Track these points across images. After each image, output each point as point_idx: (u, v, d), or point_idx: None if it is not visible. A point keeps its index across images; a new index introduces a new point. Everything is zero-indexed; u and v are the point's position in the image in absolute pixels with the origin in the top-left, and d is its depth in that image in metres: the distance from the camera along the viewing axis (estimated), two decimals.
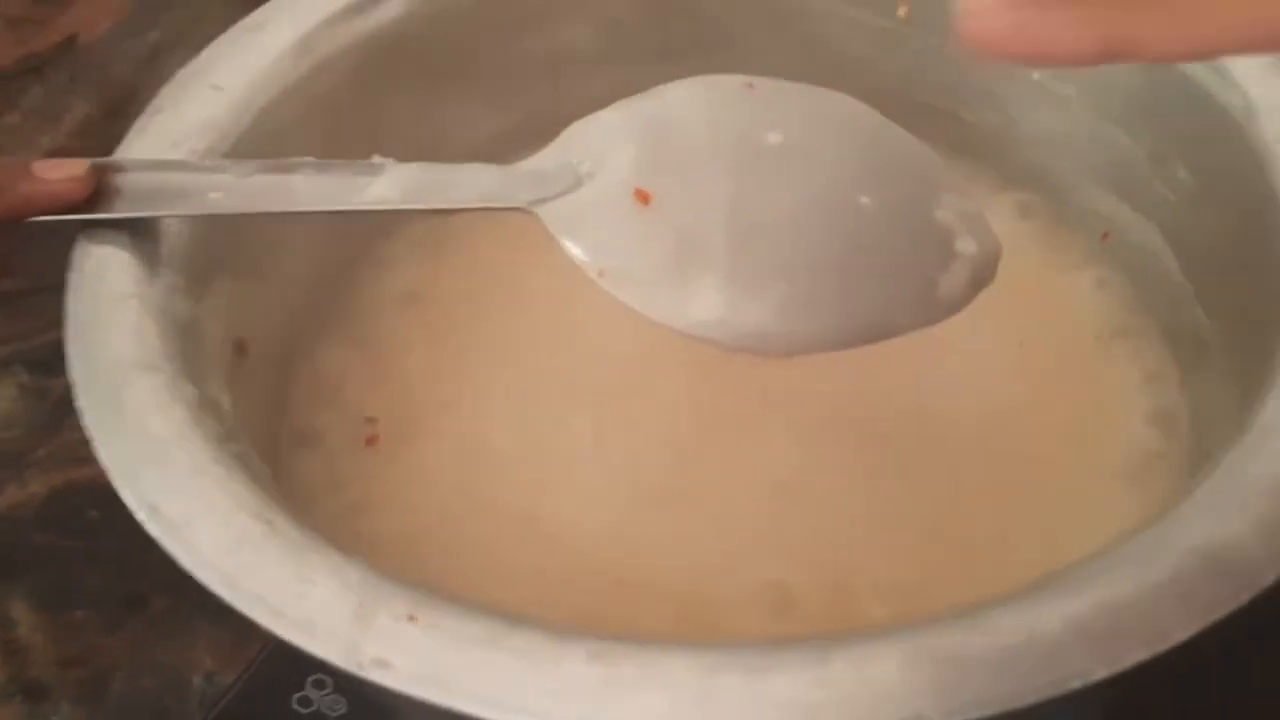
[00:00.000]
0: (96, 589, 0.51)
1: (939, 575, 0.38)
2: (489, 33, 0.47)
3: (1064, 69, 0.24)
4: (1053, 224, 0.48)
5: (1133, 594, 0.28)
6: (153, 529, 0.31)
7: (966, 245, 0.34)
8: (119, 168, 0.37)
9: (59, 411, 0.55)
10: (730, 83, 0.35)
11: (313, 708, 0.45)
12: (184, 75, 0.41)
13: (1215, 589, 0.28)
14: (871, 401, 0.42)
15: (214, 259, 0.39)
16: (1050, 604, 0.28)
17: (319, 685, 0.46)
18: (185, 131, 0.40)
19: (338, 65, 0.44)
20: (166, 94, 0.41)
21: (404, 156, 0.36)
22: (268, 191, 0.36)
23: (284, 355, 0.44)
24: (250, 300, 0.41)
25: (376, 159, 0.36)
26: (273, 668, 0.46)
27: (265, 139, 0.41)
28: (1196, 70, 0.41)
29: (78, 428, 0.33)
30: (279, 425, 0.43)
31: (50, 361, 0.34)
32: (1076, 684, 0.27)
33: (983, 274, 0.34)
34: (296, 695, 0.45)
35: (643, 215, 0.33)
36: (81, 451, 0.33)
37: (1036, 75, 0.47)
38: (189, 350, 0.36)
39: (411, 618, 0.29)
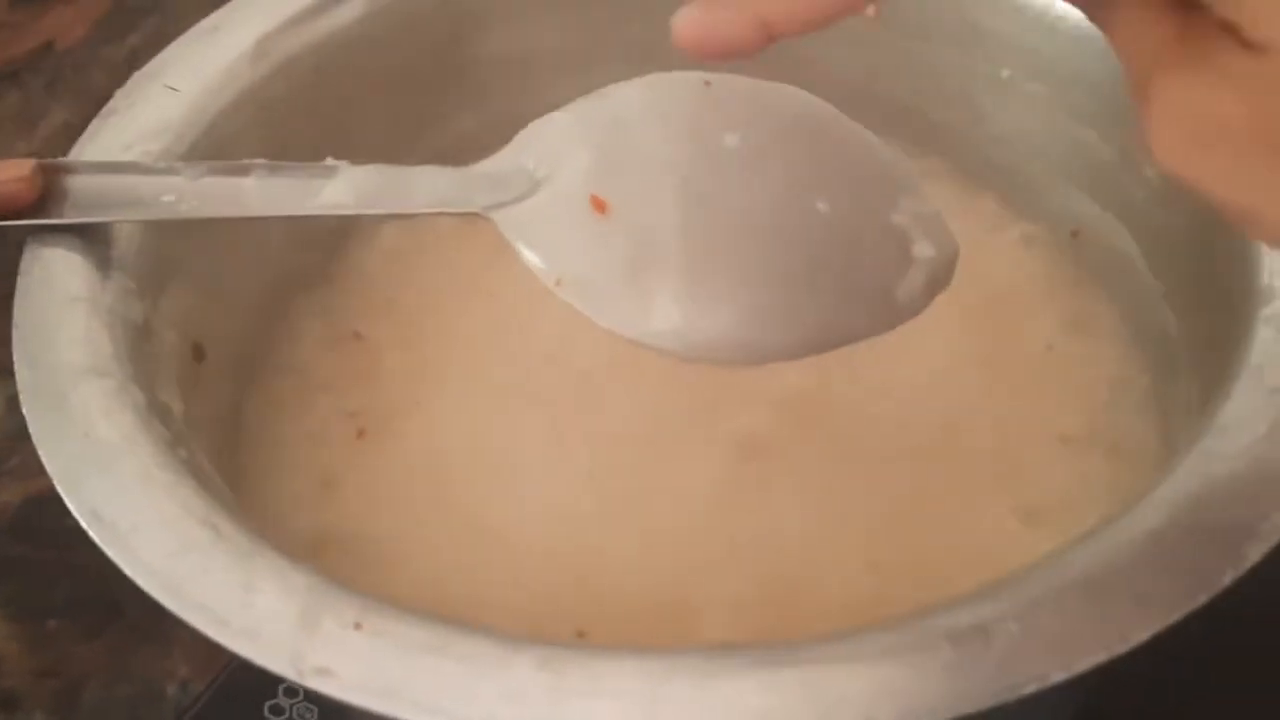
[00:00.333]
0: (70, 598, 0.51)
1: (896, 581, 0.38)
2: (452, 33, 0.47)
3: (743, 57, 0.27)
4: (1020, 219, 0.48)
5: (1090, 594, 0.28)
6: (96, 535, 0.30)
7: (924, 249, 0.33)
8: (69, 169, 0.37)
9: None
10: (687, 80, 0.35)
11: (285, 715, 0.45)
12: (139, 77, 0.41)
13: (1174, 589, 0.28)
14: (831, 406, 0.42)
15: (169, 262, 0.39)
16: (1005, 605, 0.28)
17: (291, 693, 0.46)
18: (139, 134, 0.40)
19: (296, 67, 0.43)
20: (120, 96, 0.41)
21: (366, 160, 0.36)
22: (220, 195, 0.36)
23: (243, 360, 0.43)
24: (207, 304, 0.41)
25: (330, 161, 0.36)
26: (245, 675, 0.46)
27: (222, 142, 0.41)
28: None
29: None
30: (237, 430, 0.42)
31: None
32: (1033, 687, 0.27)
33: (940, 277, 0.34)
34: (269, 703, 0.45)
35: (598, 222, 0.33)
36: None
37: (1006, 73, 0.47)
38: (142, 355, 0.36)
39: (357, 625, 0.28)
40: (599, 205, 0.33)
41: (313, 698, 0.45)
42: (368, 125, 0.45)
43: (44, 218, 0.36)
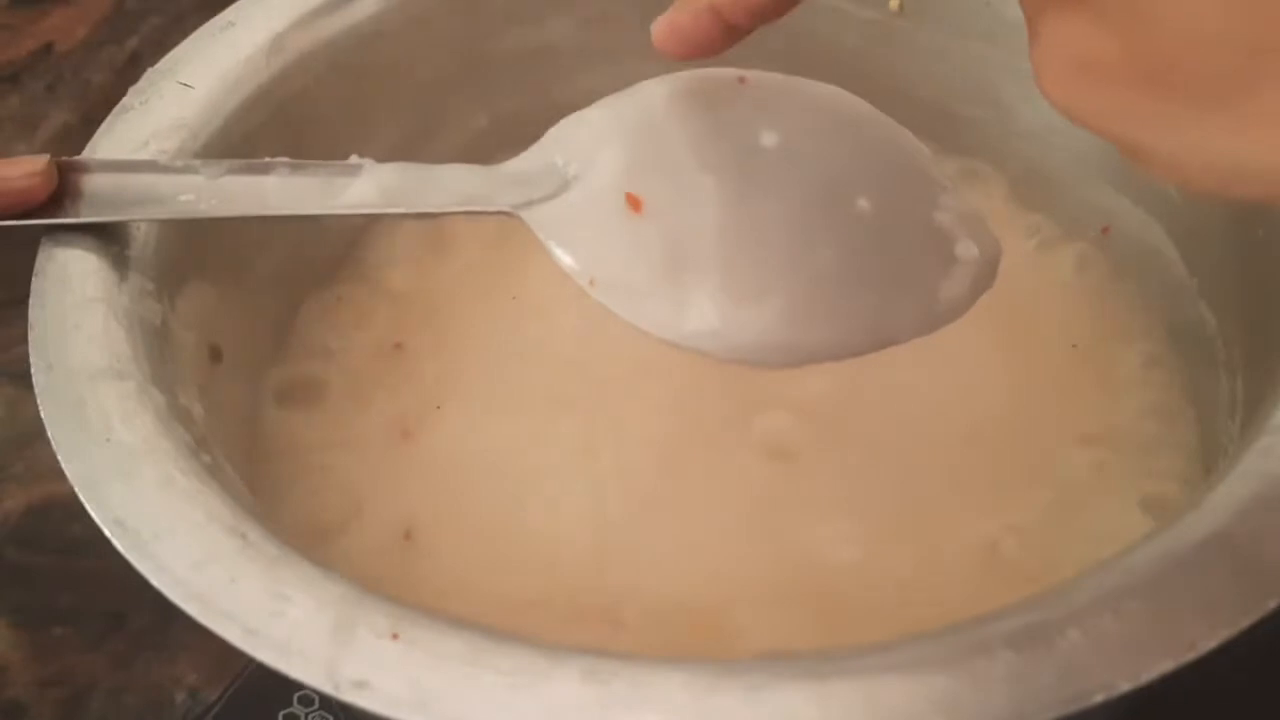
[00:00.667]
0: (75, 606, 0.50)
1: (940, 584, 0.37)
2: (468, 29, 0.46)
3: (712, 52, 0.29)
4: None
5: (1152, 599, 0.27)
6: (119, 543, 0.29)
7: (967, 249, 0.33)
8: (84, 168, 0.36)
9: (37, 424, 0.54)
10: (721, 77, 0.34)
11: None
12: (152, 74, 0.40)
13: (1241, 592, 0.27)
14: (859, 407, 0.42)
15: (187, 262, 0.38)
16: (1066, 613, 0.27)
17: (305, 701, 0.45)
18: (154, 131, 0.39)
19: (312, 64, 0.43)
20: (134, 93, 0.40)
21: (383, 157, 0.35)
22: (241, 194, 0.35)
23: (261, 361, 0.43)
24: (225, 305, 0.40)
25: (354, 159, 0.35)
26: (258, 683, 0.46)
27: (238, 139, 0.40)
28: None
29: None
30: (255, 433, 0.42)
31: (27, 374, 0.33)
32: (1100, 697, 0.26)
33: (984, 278, 0.33)
34: (282, 711, 0.45)
35: (633, 221, 0.32)
36: (60, 465, 0.32)
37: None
38: (160, 357, 0.35)
39: (394, 635, 0.28)
40: (634, 203, 0.32)
41: (328, 706, 0.44)
42: (384, 122, 0.45)
43: (59, 217, 0.35)
